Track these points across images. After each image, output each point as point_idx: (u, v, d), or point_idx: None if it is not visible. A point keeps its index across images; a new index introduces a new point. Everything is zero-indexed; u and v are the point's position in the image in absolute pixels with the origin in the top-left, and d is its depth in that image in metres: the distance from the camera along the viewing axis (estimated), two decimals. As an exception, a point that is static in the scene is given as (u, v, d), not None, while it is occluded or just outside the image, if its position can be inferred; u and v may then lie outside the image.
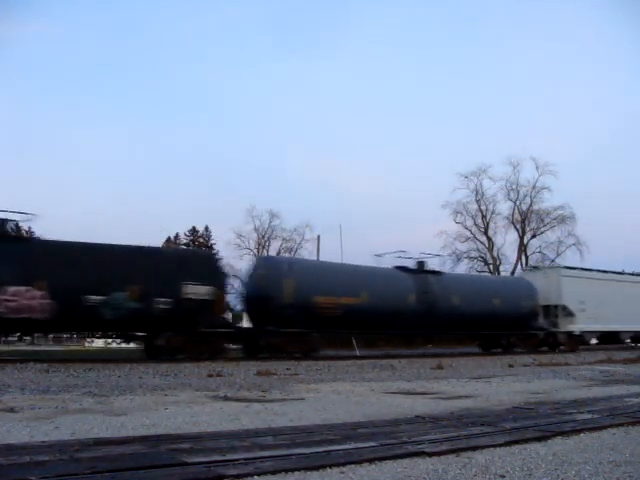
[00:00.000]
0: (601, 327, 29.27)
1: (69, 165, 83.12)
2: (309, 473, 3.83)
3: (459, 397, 8.74)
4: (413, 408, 7.32)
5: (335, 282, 21.61)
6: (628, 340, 32.94)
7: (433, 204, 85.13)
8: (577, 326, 28.06)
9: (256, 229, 54.08)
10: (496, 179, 49.98)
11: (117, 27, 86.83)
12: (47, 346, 34.73)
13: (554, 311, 28.17)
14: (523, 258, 48.63)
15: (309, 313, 20.16)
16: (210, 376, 12.55)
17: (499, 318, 25.39)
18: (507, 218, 50.81)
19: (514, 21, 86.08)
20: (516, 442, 4.92)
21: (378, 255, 26.35)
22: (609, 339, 31.68)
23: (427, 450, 4.51)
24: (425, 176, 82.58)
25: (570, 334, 27.96)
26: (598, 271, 32.23)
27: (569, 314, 28.03)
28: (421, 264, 25.32)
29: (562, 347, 27.85)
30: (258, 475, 3.69)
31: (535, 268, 31.20)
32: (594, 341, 32.01)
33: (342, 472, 3.90)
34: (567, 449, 4.75)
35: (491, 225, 51.04)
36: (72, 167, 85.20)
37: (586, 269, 32.08)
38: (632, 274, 36.81)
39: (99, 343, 36.76)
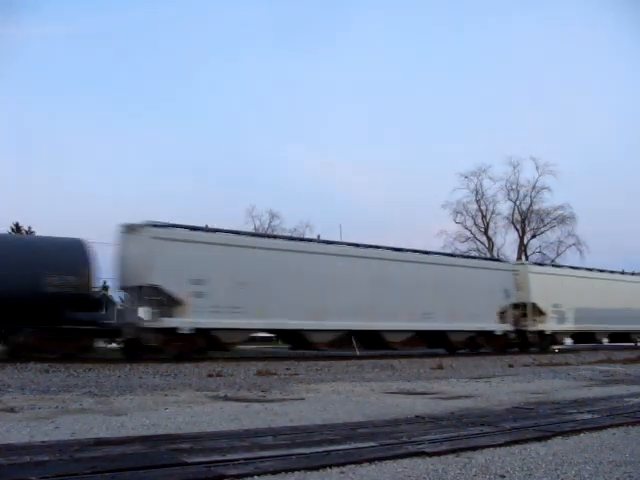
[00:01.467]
0: (279, 324, 18.55)
1: (69, 165, 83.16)
2: (309, 473, 3.84)
3: (459, 397, 8.74)
4: (413, 408, 7.32)
5: None
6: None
7: (433, 204, 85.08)
8: (180, 319, 16.59)
9: (256, 229, 54.14)
10: (496, 179, 50.00)
11: (117, 27, 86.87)
12: None
13: (136, 294, 16.71)
14: (523, 258, 48.67)
15: None
16: (210, 376, 12.55)
17: None
18: (507, 218, 50.90)
19: (514, 21, 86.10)
20: (516, 442, 4.92)
21: None
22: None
23: (427, 450, 4.51)
24: (425, 176, 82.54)
25: (169, 332, 16.46)
26: (284, 238, 19.52)
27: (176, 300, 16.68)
28: None
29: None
30: (258, 475, 3.70)
31: (130, 228, 17.28)
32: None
33: (342, 472, 3.90)
34: (567, 449, 4.75)
35: (491, 225, 51.09)
36: (72, 167, 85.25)
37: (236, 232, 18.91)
38: (370, 246, 21.71)
39: None
